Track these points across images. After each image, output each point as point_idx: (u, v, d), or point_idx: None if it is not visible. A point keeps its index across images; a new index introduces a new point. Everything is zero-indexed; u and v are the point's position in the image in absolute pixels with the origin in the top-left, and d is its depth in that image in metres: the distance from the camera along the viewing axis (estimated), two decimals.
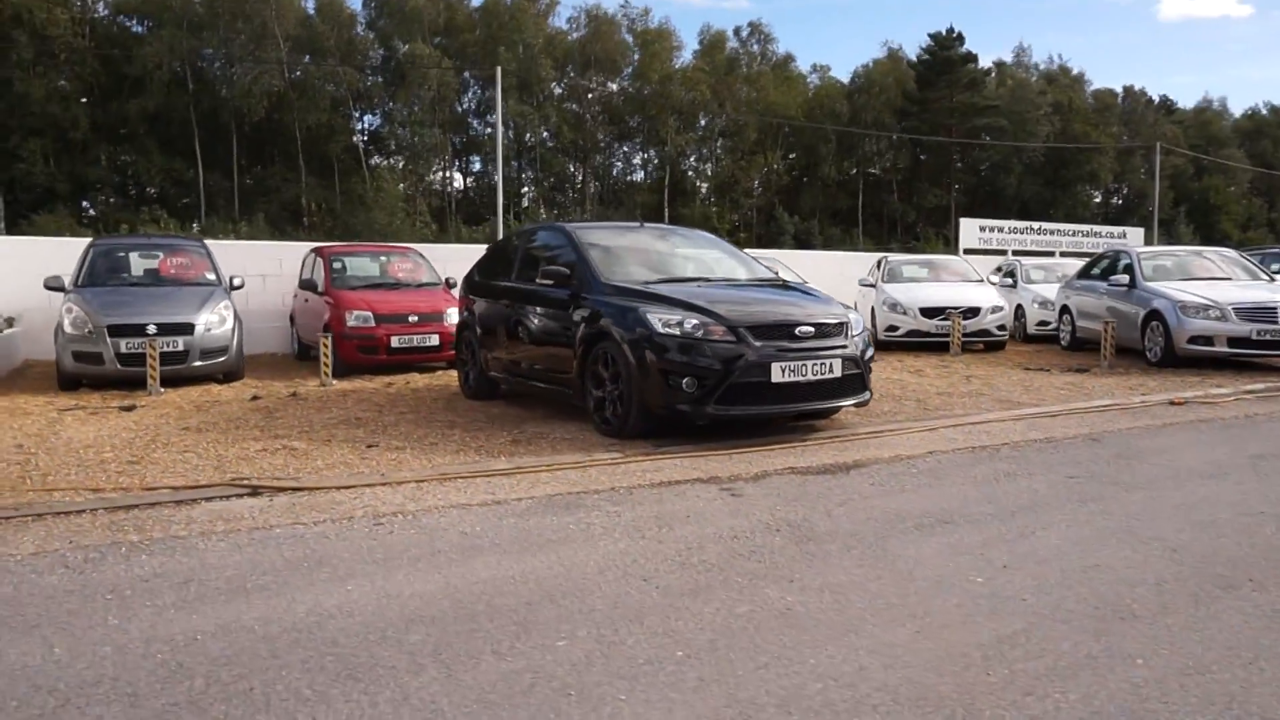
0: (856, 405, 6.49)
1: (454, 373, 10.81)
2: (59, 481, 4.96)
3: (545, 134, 51.49)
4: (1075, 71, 65.49)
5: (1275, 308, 10.28)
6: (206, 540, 3.81)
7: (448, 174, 50.90)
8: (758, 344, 5.89)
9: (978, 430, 6.63)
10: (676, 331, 5.90)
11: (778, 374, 5.90)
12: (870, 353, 6.61)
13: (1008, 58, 64.45)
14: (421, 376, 10.64)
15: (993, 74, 59.00)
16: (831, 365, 6.11)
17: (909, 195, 57.89)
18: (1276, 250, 17.06)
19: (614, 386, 6.25)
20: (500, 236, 26.46)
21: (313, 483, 4.81)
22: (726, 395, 5.83)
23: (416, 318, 11.00)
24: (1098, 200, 66.58)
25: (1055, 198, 62.15)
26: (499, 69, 28.45)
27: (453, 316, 11.15)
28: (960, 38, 56.21)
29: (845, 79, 60.23)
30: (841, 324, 6.32)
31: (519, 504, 4.47)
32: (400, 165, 46.65)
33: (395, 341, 10.76)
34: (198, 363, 9.58)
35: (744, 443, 5.97)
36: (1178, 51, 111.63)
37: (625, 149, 57.83)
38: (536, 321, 7.34)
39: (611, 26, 52.20)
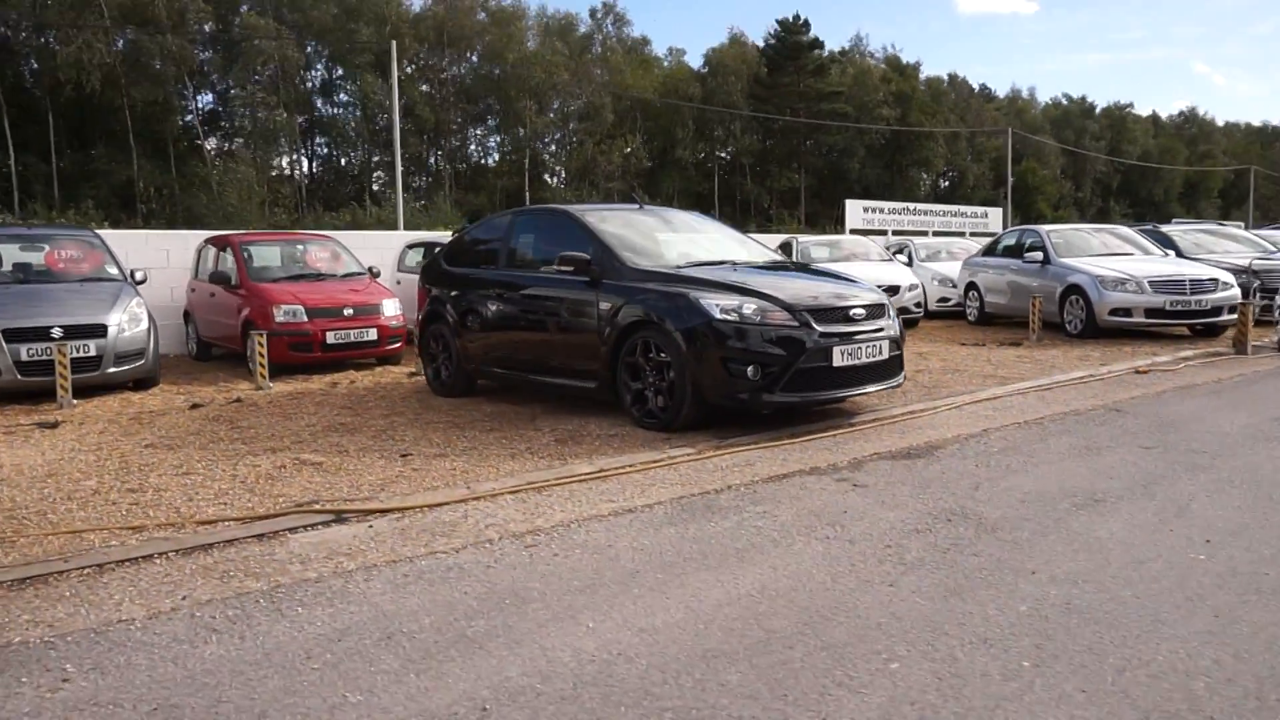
0: (894, 388, 6.43)
1: (395, 369, 10.14)
2: (71, 521, 4.11)
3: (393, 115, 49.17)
4: (909, 61, 69.23)
5: (1184, 280, 11.14)
6: (351, 581, 3.21)
7: (295, 157, 47.75)
8: (820, 328, 5.70)
9: (997, 406, 6.72)
10: (735, 317, 5.61)
11: (838, 358, 5.73)
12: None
13: (847, 45, 67.46)
14: (359, 373, 9.82)
15: (837, 61, 61.46)
16: (881, 347, 6.01)
17: (762, 178, 59.55)
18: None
19: (657, 377, 5.89)
20: (401, 222, 25.06)
21: (397, 503, 4.21)
22: (792, 382, 5.61)
23: (351, 311, 10.12)
24: (927, 183, 70.91)
25: (893, 181, 65.78)
26: (394, 43, 26.63)
27: (390, 309, 10.39)
28: (806, 24, 58.21)
29: (698, 63, 61.22)
30: (884, 305, 6.23)
31: (652, 511, 4.07)
32: (243, 147, 43.13)
33: (331, 337, 9.86)
34: (112, 369, 8.39)
35: (789, 431, 5.77)
36: (977, 43, 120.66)
37: (479, 131, 56.29)
38: (543, 312, 6.83)
39: (469, 3, 50.48)
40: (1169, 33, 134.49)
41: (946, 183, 74.03)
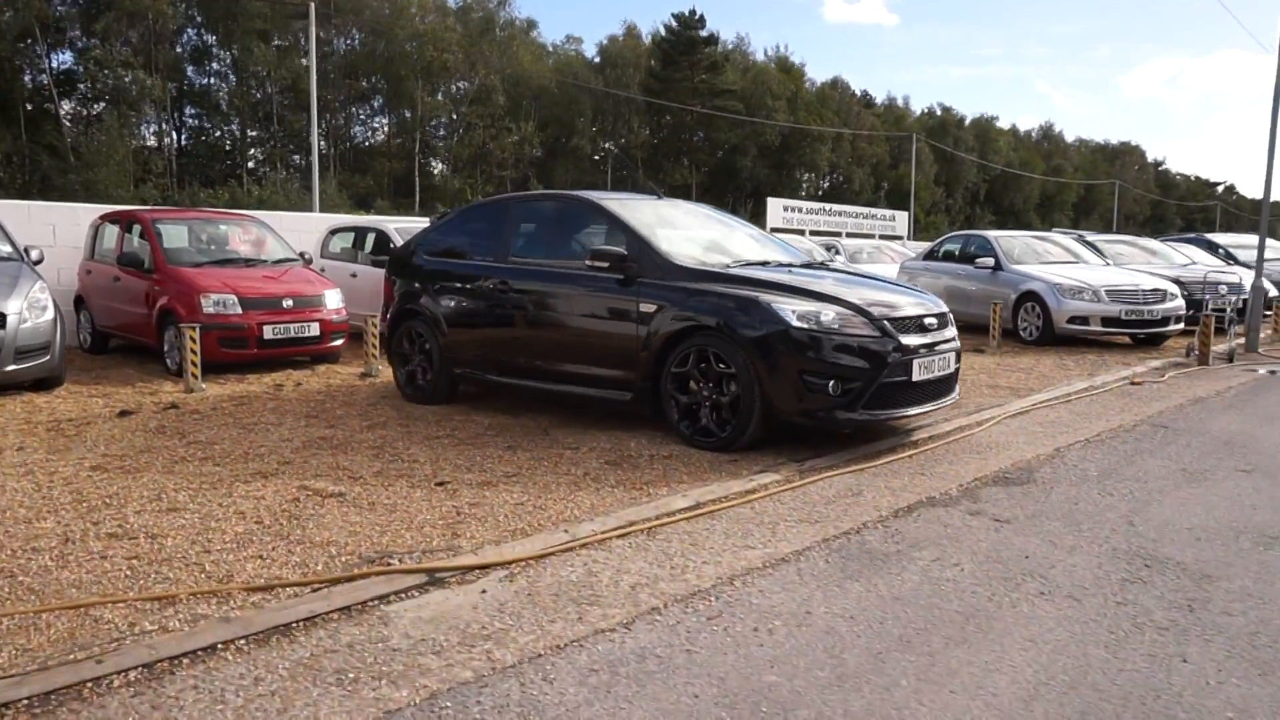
0: (953, 403, 5.99)
1: (339, 369, 9.07)
2: (61, 587, 3.09)
3: (274, 89, 46.04)
4: (797, 63, 70.61)
5: (1138, 290, 11.35)
6: (530, 685, 2.41)
7: (163, 127, 43.72)
8: (901, 339, 5.18)
9: (1038, 421, 6.43)
10: (813, 325, 5.02)
11: (918, 371, 5.24)
12: None
13: (731, 44, 68.06)
14: (299, 373, 8.71)
15: (731, 59, 61.92)
16: (949, 359, 5.57)
17: (655, 172, 59.36)
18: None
19: (714, 391, 5.24)
20: (318, 203, 23.19)
21: (495, 555, 3.38)
22: (874, 398, 5.08)
23: (291, 302, 8.94)
24: (811, 184, 72.67)
25: (781, 181, 67.04)
26: (312, 3, 24.36)
27: (332, 300, 9.27)
28: (702, 20, 58.34)
29: (593, 53, 60.38)
30: (948, 314, 5.78)
31: (808, 560, 3.42)
32: (106, 111, 38.96)
33: (268, 332, 8.68)
34: (11, 367, 7.03)
35: (859, 451, 5.27)
36: (844, 51, 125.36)
37: (363, 111, 53.56)
38: (561, 312, 6.05)
39: None
40: (1020, 52, 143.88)
41: (828, 184, 76.12)
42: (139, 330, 9.26)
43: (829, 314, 5.06)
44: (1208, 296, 11.92)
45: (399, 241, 10.99)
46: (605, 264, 5.64)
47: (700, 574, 3.24)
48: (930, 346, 5.34)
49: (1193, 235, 19.83)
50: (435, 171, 52.47)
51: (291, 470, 4.86)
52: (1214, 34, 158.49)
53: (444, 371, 6.87)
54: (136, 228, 9.57)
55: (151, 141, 42.91)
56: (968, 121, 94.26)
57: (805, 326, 4.99)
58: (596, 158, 60.49)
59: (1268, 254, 19.02)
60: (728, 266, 5.70)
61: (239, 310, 8.57)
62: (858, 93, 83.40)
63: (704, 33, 58.00)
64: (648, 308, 5.50)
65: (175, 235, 9.80)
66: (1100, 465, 5.07)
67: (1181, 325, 11.56)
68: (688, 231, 6.23)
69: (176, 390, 7.67)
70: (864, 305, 5.21)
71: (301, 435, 5.83)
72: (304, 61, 47.17)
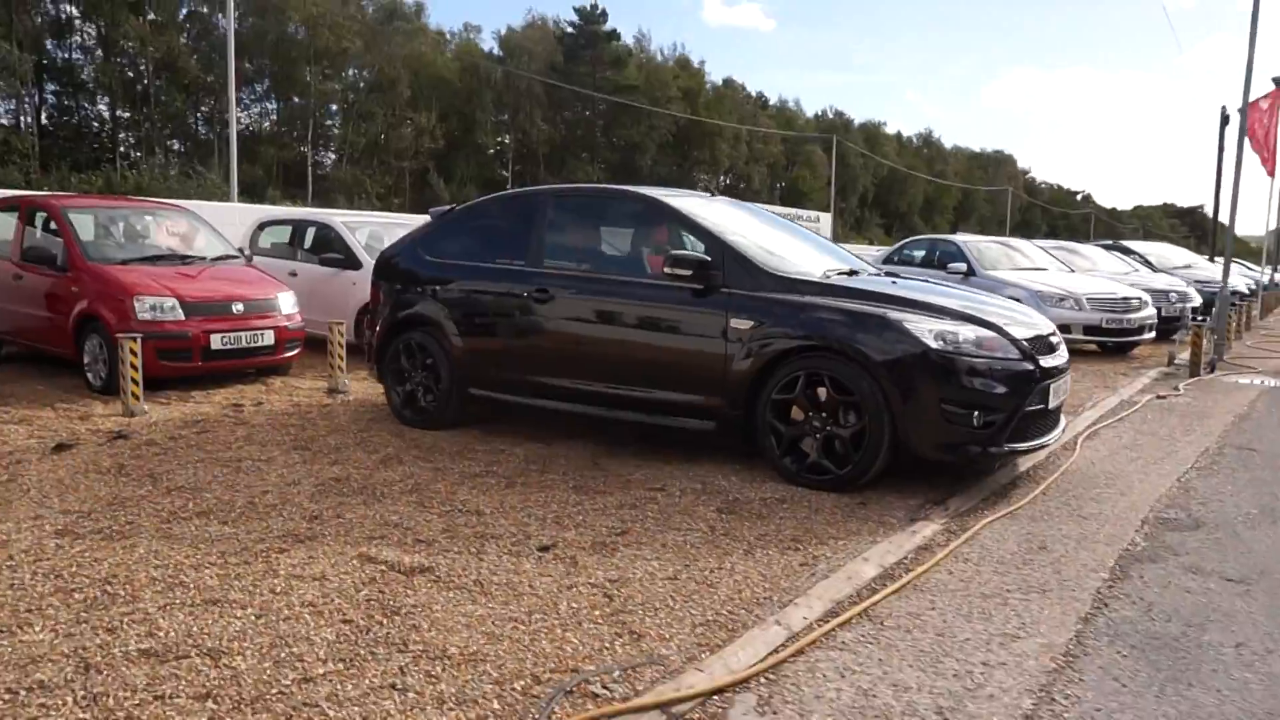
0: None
1: (298, 383, 7.89)
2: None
3: (147, 67, 42.32)
4: (696, 62, 70.73)
5: (1117, 298, 11.29)
6: None
7: (19, 105, 39.34)
8: (1041, 361, 4.56)
9: (1115, 445, 5.98)
10: (954, 348, 4.33)
11: (1054, 397, 4.64)
12: None
13: (635, 41, 67.57)
14: (249, 388, 7.50)
15: (632, 55, 61.33)
16: (1068, 383, 5.01)
17: (557, 168, 58.20)
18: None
19: (827, 421, 4.49)
20: (235, 192, 21.09)
21: (724, 674, 2.50)
22: (1016, 429, 4.44)
23: (241, 307, 7.68)
24: (707, 180, 73.04)
25: (681, 178, 67.05)
26: None
27: (286, 304, 8.05)
28: (604, 14, 57.51)
29: (492, 45, 58.61)
30: (1056, 331, 5.22)
31: (1098, 648, 2.70)
32: None
33: (216, 341, 7.40)
34: None
35: (974, 489, 4.65)
36: (723, 53, 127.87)
37: (248, 95, 50.04)
38: (625, 329, 5.14)
39: None
40: (890, 62, 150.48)
41: (727, 182, 76.72)
42: (49, 338, 7.79)
43: (968, 334, 4.39)
44: (1163, 305, 12.01)
45: (349, 238, 9.80)
46: (687, 272, 4.80)
47: (1000, 684, 2.48)
48: (1060, 369, 4.75)
49: (1109, 242, 20.35)
50: (328, 161, 49.70)
51: (331, 531, 3.82)
52: (1067, 51, 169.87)
53: (455, 392, 5.87)
54: (42, 217, 8.06)
55: (4, 120, 38.71)
56: (855, 125, 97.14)
57: (944, 348, 4.31)
58: (491, 151, 58.76)
59: (1178, 261, 19.90)
60: (826, 276, 4.97)
61: (180, 316, 7.26)
62: (752, 93, 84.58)
63: (606, 28, 57.20)
64: (741, 324, 4.70)
65: (90, 226, 8.32)
66: (1247, 500, 4.59)
67: (1154, 334, 11.59)
68: (760, 235, 5.44)
69: (112, 413, 6.36)
70: (1000, 323, 4.56)
71: (307, 476, 4.75)
72: (184, 39, 43.79)
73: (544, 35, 58.83)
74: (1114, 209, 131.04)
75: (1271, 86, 13.87)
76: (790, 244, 5.53)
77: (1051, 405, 4.63)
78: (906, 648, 2.73)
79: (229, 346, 7.48)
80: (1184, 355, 10.80)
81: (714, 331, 4.78)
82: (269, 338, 7.78)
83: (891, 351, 4.32)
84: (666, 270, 4.84)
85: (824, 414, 4.51)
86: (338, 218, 10.43)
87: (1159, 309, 12.51)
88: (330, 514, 4.08)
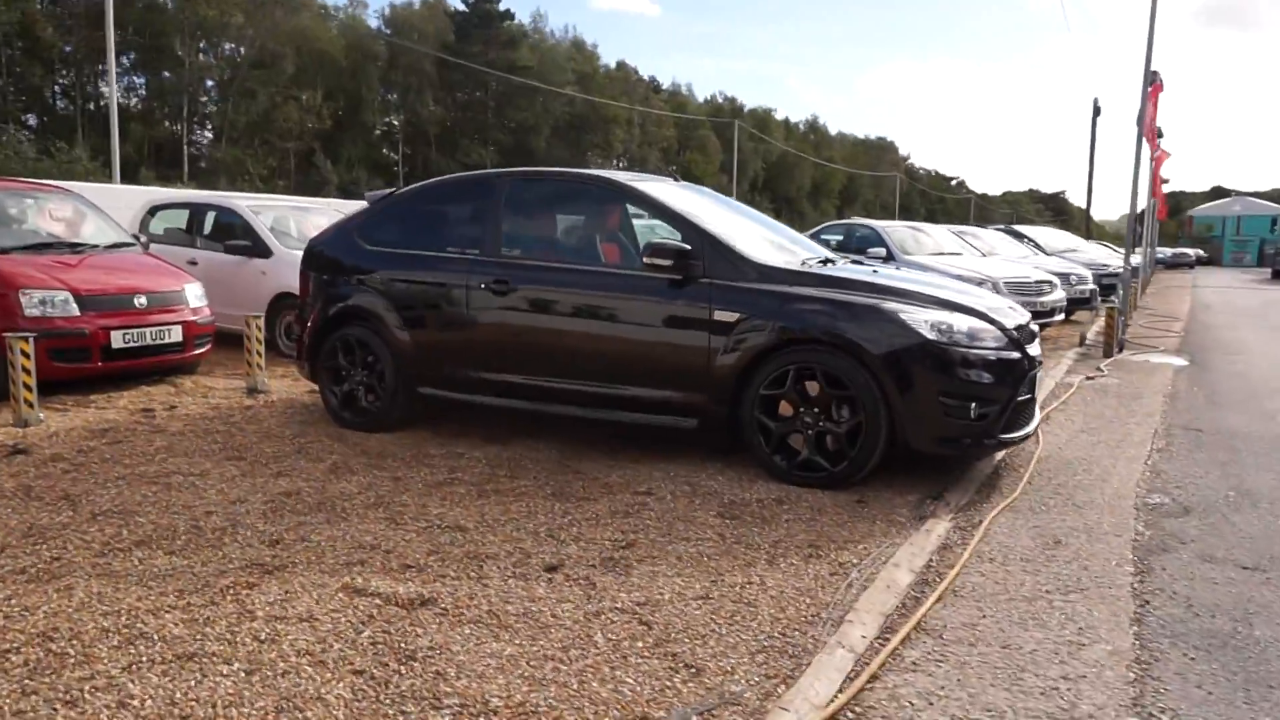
0: None
1: (207, 382, 7.25)
2: None
3: None
4: (590, 44, 70.05)
5: (1030, 281, 11.64)
6: None
7: None
8: (1029, 350, 4.51)
9: (1069, 430, 6.08)
10: (949, 338, 4.21)
11: (1037, 387, 4.60)
12: None
13: (529, 22, 66.33)
14: (159, 390, 6.84)
15: (526, 36, 60.13)
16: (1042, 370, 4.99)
17: (450, 151, 56.67)
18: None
19: (819, 417, 4.32)
20: (117, 172, 19.35)
21: (812, 713, 2.25)
22: (1009, 420, 4.37)
23: (145, 300, 6.97)
24: (601, 164, 72.71)
25: (574, 161, 66.44)
26: None
27: (194, 297, 7.37)
28: None
29: (378, 22, 56.31)
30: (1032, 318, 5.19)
31: (1171, 656, 2.58)
32: None
33: (118, 339, 6.68)
34: None
35: (958, 479, 4.59)
36: (609, 37, 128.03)
37: (116, 69, 46.45)
38: (599, 323, 4.83)
39: None
40: (772, 49, 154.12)
41: (622, 166, 76.51)
42: None
43: (962, 324, 4.28)
44: (1065, 288, 12.49)
45: (257, 224, 9.08)
46: (668, 262, 4.52)
47: (1094, 702, 2.34)
48: (1039, 358, 4.72)
49: (1001, 226, 21.12)
50: (205, 140, 46.73)
51: (300, 558, 3.39)
52: (937, 43, 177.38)
53: (401, 391, 5.44)
54: None
55: None
56: (746, 110, 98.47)
57: (940, 339, 4.19)
58: (378, 132, 56.63)
59: (1063, 245, 20.86)
60: (806, 265, 4.79)
61: (75, 311, 6.52)
62: (644, 77, 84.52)
63: (500, 7, 55.86)
64: (725, 316, 4.46)
65: None
66: (1218, 482, 4.68)
67: (1064, 316, 12.03)
68: (732, 223, 5.21)
69: (1, 423, 5.63)
70: (989, 312, 4.48)
71: (252, 491, 4.27)
72: (37, 5, 40.26)
73: (434, 13, 57.00)
74: (985, 194, 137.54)
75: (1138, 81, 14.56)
76: (760, 232, 5.33)
77: (1037, 394, 4.59)
78: (978, 664, 2.56)
79: (132, 344, 6.77)
80: (1092, 335, 11.26)
81: (696, 324, 4.53)
82: (176, 334, 7.09)
83: (889, 344, 4.17)
84: (646, 260, 4.56)
85: (815, 409, 4.33)
86: (242, 201, 9.65)
87: (1092, 291, 13.07)
88: (292, 537, 3.64)
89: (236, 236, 9.11)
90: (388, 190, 5.86)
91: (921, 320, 4.21)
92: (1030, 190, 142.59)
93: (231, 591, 3.05)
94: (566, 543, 3.58)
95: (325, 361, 5.73)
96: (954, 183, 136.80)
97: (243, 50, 44.73)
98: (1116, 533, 3.81)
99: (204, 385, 7.16)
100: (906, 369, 4.15)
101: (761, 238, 5.10)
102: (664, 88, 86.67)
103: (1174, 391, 7.55)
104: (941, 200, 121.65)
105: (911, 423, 4.17)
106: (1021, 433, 4.44)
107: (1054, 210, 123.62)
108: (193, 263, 9.10)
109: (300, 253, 8.87)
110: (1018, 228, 21.06)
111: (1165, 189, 26.22)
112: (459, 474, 4.64)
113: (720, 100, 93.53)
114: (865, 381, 4.18)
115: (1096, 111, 34.64)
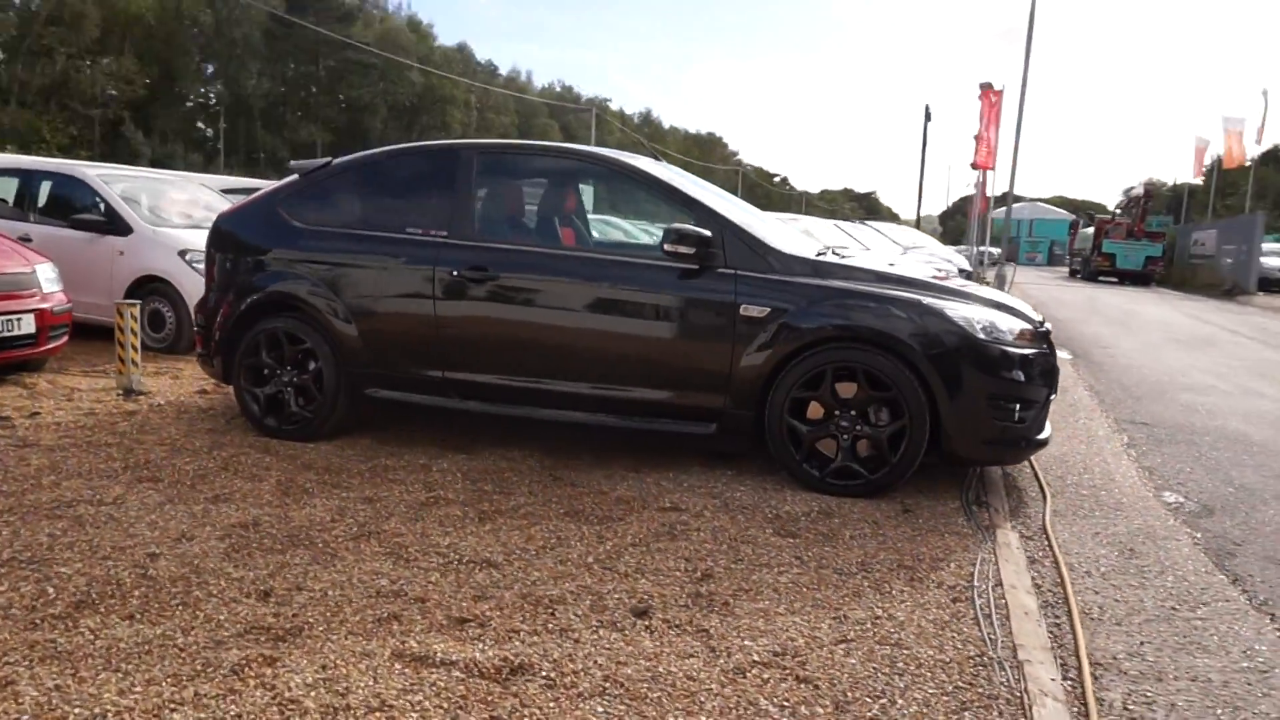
0: None
1: (67, 381, 6.13)
2: None
3: None
4: (425, 23, 67.39)
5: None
6: None
7: None
8: (1055, 351, 4.35)
9: None
10: (995, 337, 3.97)
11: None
12: None
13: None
14: (12, 393, 5.67)
15: (362, 10, 56.89)
16: None
17: (278, 128, 52.85)
18: None
19: (856, 420, 3.98)
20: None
21: None
22: (1042, 421, 4.19)
23: None
24: None
25: (411, 142, 63.85)
26: None
27: (48, 280, 6.18)
28: None
29: None
30: None
31: None
32: None
33: None
34: None
35: (937, 486, 4.42)
36: (441, 23, 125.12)
37: None
38: (601, 317, 4.24)
39: None
40: (597, 41, 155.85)
41: None
42: None
43: (1004, 321, 4.06)
44: None
45: (112, 196, 7.77)
46: (690, 250, 4.04)
47: None
48: None
49: (860, 221, 21.86)
50: (10, 99, 40.88)
51: (314, 615, 2.68)
52: (759, 41, 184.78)
53: (343, 394, 4.66)
54: None
55: None
56: (583, 99, 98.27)
57: (988, 338, 3.95)
58: (191, 104, 51.91)
59: (910, 242, 21.88)
60: (821, 255, 4.44)
61: None
62: (481, 61, 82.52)
63: None
64: (754, 311, 4.03)
65: None
66: (1210, 480, 4.74)
67: None
68: (741, 209, 4.78)
69: None
70: (1023, 310, 4.30)
71: (196, 524, 3.45)
72: None
73: None
74: (805, 191, 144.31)
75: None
76: (762, 219, 4.93)
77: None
78: (1185, 703, 2.29)
79: None
80: None
81: (719, 320, 4.08)
82: (28, 324, 5.88)
83: (940, 342, 3.88)
84: (667, 248, 4.05)
85: (852, 412, 3.99)
86: (90, 170, 8.25)
87: None
88: (283, 585, 2.90)
89: (82, 210, 7.77)
90: (322, 160, 5.01)
91: (970, 318, 3.95)
92: (845, 189, 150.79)
93: (248, 671, 2.32)
94: (631, 577, 3.04)
95: (244, 359, 4.84)
96: (777, 179, 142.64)
97: (36, 3, 39.54)
98: (1172, 536, 3.71)
99: (64, 385, 5.98)
100: (956, 369, 3.88)
101: (769, 226, 4.70)
102: (501, 73, 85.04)
103: (1091, 385, 7.82)
104: (768, 196, 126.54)
105: (958, 426, 3.90)
106: (1046, 434, 4.29)
107: (867, 209, 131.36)
108: (26, 239, 7.67)
109: (167, 230, 7.73)
110: (871, 224, 21.89)
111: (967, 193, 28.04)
112: (439, 491, 3.97)
113: (559, 89, 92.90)
114: (910, 383, 3.88)
115: (928, 117, 36.81)
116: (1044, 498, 4.16)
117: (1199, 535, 3.76)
